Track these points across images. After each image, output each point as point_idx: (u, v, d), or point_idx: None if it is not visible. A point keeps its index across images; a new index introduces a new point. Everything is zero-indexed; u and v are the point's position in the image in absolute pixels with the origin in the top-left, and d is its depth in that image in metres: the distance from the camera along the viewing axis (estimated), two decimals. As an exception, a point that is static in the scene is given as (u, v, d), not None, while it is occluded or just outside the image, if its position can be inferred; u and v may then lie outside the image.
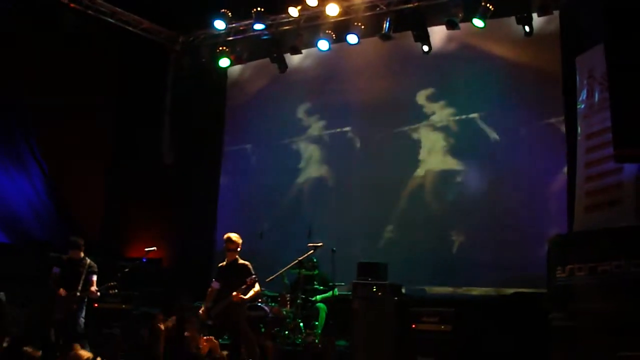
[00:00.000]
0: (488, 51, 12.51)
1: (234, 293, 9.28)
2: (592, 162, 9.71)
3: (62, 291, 9.93)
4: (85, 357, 8.19)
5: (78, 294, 9.99)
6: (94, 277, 10.28)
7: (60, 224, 14.38)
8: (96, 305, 11.26)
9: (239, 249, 9.74)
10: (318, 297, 11.73)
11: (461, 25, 12.17)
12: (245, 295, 9.35)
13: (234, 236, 9.77)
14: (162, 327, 9.90)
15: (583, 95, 10.04)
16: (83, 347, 8.91)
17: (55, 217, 14.54)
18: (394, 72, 13.60)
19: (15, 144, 14.06)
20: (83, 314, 10.19)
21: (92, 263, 10.38)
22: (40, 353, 8.59)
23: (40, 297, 10.67)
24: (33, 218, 14.24)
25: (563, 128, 11.35)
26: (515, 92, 12.17)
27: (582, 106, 10.07)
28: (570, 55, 10.73)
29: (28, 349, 8.55)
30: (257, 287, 9.61)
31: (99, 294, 10.16)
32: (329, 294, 11.65)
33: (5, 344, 9.72)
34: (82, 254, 10.42)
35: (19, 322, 10.84)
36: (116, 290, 10.45)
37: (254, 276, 9.47)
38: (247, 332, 9.46)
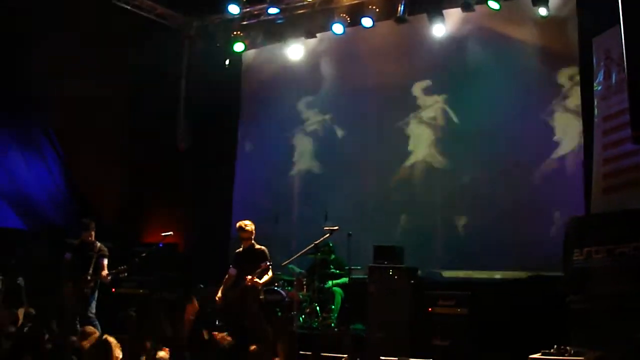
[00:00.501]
0: (504, 33, 12.41)
1: (248, 277, 9.30)
2: (609, 144, 9.66)
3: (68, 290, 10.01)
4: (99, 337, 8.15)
5: (89, 277, 10.01)
6: (105, 261, 10.26)
7: (77, 210, 14.41)
8: (113, 290, 11.32)
9: (253, 236, 9.76)
10: (331, 282, 11.72)
11: (476, 7, 12.11)
12: (260, 279, 9.37)
13: (246, 223, 9.78)
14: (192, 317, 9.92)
15: (600, 77, 9.98)
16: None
17: (72, 202, 14.59)
18: (409, 55, 13.53)
19: (31, 130, 14.10)
20: (95, 298, 10.19)
21: (103, 247, 10.37)
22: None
23: (56, 283, 10.71)
24: (49, 204, 14.30)
25: (580, 110, 11.26)
26: (531, 74, 12.09)
27: (600, 88, 10.00)
28: (587, 37, 10.65)
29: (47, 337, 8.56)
30: (270, 273, 9.63)
31: (109, 278, 10.17)
32: (343, 280, 11.66)
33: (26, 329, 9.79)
34: (92, 237, 10.43)
35: (37, 308, 10.90)
36: (126, 274, 10.45)
37: (268, 262, 9.49)
38: (259, 319, 9.47)
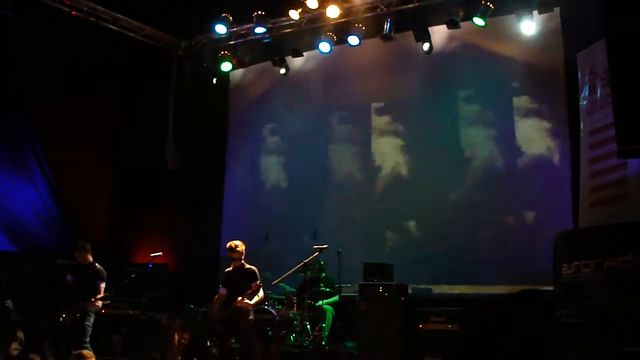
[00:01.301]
0: (489, 50, 12.48)
1: (239, 298, 9.27)
2: (596, 159, 9.72)
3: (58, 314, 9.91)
4: None
5: (81, 302, 9.93)
6: (102, 285, 10.17)
7: (67, 231, 14.37)
8: (103, 311, 11.25)
9: (243, 256, 9.74)
10: (323, 302, 11.70)
11: (462, 24, 12.17)
12: (250, 300, 9.33)
13: (237, 243, 9.74)
14: (177, 337, 9.85)
15: (585, 92, 10.05)
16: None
17: (61, 224, 14.53)
18: (396, 73, 13.59)
19: (20, 152, 14.05)
20: (90, 322, 10.00)
21: (101, 269, 10.27)
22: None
23: (49, 305, 10.63)
24: (39, 226, 14.24)
25: (566, 125, 11.33)
26: (517, 90, 12.17)
27: (585, 102, 10.07)
28: (572, 52, 10.74)
29: (35, 357, 8.49)
30: (261, 293, 9.59)
31: (98, 303, 10.07)
32: (334, 298, 11.65)
33: (15, 352, 9.70)
34: (90, 258, 10.34)
35: (26, 330, 10.80)
36: (109, 302, 10.37)
37: (259, 282, 9.45)
38: (251, 339, 9.42)
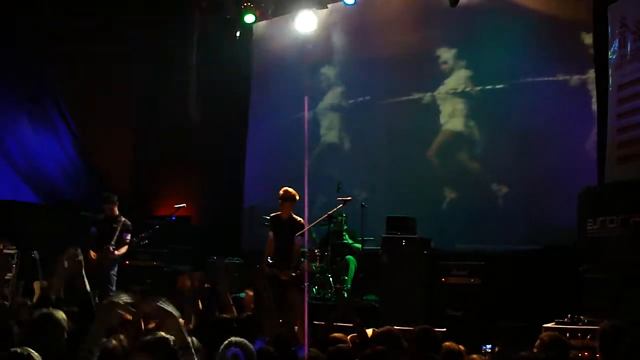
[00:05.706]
0: (516, 2, 12.29)
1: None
2: (624, 114, 9.56)
3: (92, 254, 10.05)
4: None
5: (111, 248, 10.11)
6: (128, 236, 10.43)
7: (90, 183, 14.49)
8: (127, 262, 11.40)
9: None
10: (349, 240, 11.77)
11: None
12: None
13: (293, 191, 9.69)
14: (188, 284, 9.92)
15: (615, 45, 9.84)
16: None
17: (85, 176, 14.64)
18: (420, 26, 13.43)
19: (43, 104, 14.10)
20: (115, 271, 10.34)
21: (127, 221, 10.49)
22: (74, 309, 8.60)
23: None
24: (62, 178, 14.35)
25: (593, 79, 11.16)
26: (544, 44, 11.97)
27: (614, 56, 9.88)
28: (602, 4, 10.52)
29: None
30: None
31: (116, 252, 10.24)
32: (359, 245, 11.71)
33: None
34: (116, 211, 10.54)
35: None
36: (147, 242, 10.55)
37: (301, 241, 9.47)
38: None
